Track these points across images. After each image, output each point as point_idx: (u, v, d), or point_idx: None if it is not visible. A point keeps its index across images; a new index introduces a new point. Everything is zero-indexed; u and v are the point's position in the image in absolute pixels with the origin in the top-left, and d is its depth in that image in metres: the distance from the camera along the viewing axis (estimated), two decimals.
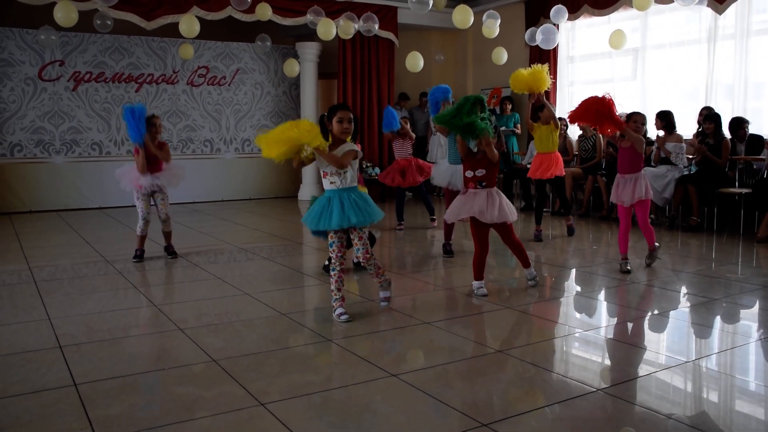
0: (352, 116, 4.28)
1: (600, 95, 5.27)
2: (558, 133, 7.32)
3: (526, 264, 5.14)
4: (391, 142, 8.29)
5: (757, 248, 6.79)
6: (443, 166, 6.57)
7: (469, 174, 4.85)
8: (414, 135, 8.38)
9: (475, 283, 4.91)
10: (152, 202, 6.45)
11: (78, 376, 3.26)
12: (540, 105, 7.21)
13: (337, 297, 4.30)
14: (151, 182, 6.27)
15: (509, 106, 11.11)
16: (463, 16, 7.82)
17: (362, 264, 4.51)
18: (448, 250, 6.42)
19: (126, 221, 8.77)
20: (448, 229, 6.41)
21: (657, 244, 5.79)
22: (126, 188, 6.41)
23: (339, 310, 4.27)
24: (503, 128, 10.63)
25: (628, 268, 5.60)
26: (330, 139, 4.29)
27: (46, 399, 3.00)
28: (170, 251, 6.50)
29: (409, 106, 12.77)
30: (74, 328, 4.13)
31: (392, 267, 6.11)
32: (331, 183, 4.24)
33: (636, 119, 5.56)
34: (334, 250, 4.28)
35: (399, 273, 5.82)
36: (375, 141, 11.98)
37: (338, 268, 4.30)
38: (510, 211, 4.85)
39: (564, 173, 7.44)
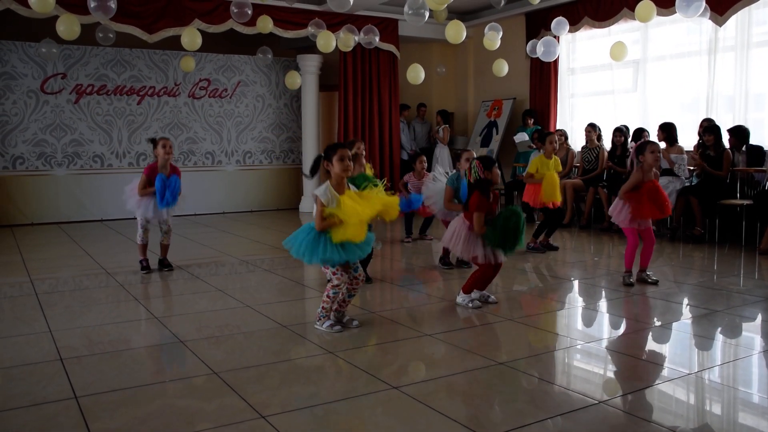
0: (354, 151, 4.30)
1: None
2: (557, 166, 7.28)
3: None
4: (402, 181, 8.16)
5: (759, 260, 6.78)
6: (436, 189, 6.58)
7: (489, 217, 4.85)
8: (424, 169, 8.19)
9: (470, 296, 4.92)
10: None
11: (79, 389, 3.25)
12: (544, 135, 7.28)
13: (326, 314, 4.31)
14: (155, 205, 6.23)
15: (531, 120, 11.08)
16: (455, 31, 7.84)
17: (349, 287, 4.36)
18: (447, 262, 6.42)
19: (127, 233, 8.77)
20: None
21: None
22: (129, 207, 6.36)
23: (328, 323, 4.29)
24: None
25: (632, 281, 5.59)
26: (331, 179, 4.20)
27: (46, 412, 2.99)
28: (165, 264, 6.48)
29: (410, 117, 12.79)
30: (75, 341, 4.12)
31: (395, 279, 6.11)
32: None
33: (653, 149, 5.46)
34: (339, 271, 4.21)
35: (401, 285, 5.81)
36: (376, 153, 12.00)
37: (342, 289, 4.27)
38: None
39: (559, 203, 7.33)
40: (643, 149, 5.50)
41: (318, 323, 4.32)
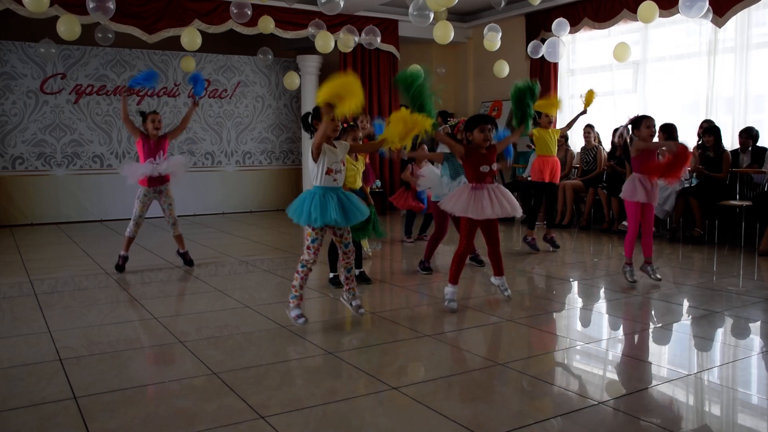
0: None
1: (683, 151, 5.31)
2: (557, 138, 7.37)
3: (500, 271, 5.09)
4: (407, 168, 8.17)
5: (758, 261, 6.79)
6: (429, 170, 6.52)
7: (485, 169, 4.77)
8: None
9: (450, 290, 4.82)
10: (160, 204, 6.45)
11: (78, 389, 3.25)
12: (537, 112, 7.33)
13: (297, 295, 4.29)
14: (154, 169, 6.25)
15: (530, 121, 11.06)
16: (443, 32, 7.84)
17: (342, 263, 4.47)
18: (426, 267, 6.32)
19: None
20: (432, 246, 6.34)
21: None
22: (131, 181, 6.35)
23: (296, 312, 4.27)
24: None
25: (635, 278, 5.58)
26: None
27: (45, 412, 2.99)
28: (186, 259, 6.52)
29: None
30: (74, 341, 4.12)
31: (393, 279, 6.10)
32: (334, 180, 4.23)
33: (650, 124, 5.47)
34: (313, 247, 4.24)
35: (400, 285, 5.81)
36: (376, 154, 11.97)
37: (309, 266, 4.27)
38: (515, 205, 4.83)
39: (558, 181, 7.53)
40: (639, 123, 5.48)
41: (289, 307, 4.31)
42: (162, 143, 6.39)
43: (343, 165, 4.29)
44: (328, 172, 4.20)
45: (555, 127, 7.59)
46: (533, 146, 7.55)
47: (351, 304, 4.47)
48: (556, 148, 7.37)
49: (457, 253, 4.87)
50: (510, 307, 4.92)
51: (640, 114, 5.64)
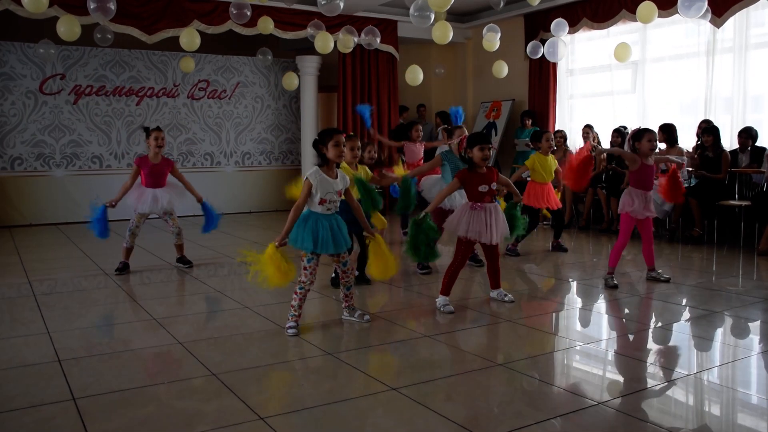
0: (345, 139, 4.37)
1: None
2: (554, 169, 7.26)
3: (497, 284, 5.10)
4: (401, 147, 8.52)
5: (757, 261, 6.79)
6: (433, 180, 6.56)
7: (484, 188, 4.76)
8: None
9: (443, 299, 4.85)
10: (162, 218, 6.56)
11: (77, 391, 3.25)
12: (540, 134, 7.26)
13: (295, 314, 4.30)
14: (153, 196, 6.29)
15: (529, 122, 11.08)
16: (442, 32, 7.84)
17: (342, 281, 4.53)
18: (425, 266, 6.33)
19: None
20: None
21: None
22: (129, 202, 6.41)
23: (291, 325, 4.28)
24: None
25: (615, 282, 5.57)
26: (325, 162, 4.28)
27: (44, 413, 2.99)
28: (185, 261, 6.58)
29: (409, 117, 12.79)
30: (73, 342, 4.12)
31: (392, 280, 6.10)
32: (328, 209, 4.24)
33: (651, 138, 5.48)
34: (310, 268, 4.25)
35: (399, 286, 5.81)
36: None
37: (307, 288, 4.29)
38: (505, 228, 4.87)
39: (561, 205, 7.43)
40: (641, 137, 5.51)
41: (287, 325, 4.30)
42: (164, 169, 6.42)
43: (339, 196, 4.28)
44: (321, 202, 4.21)
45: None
46: (532, 146, 7.51)
47: (354, 317, 4.50)
48: (552, 176, 7.21)
49: (450, 267, 4.87)
50: (510, 307, 4.92)
51: (642, 128, 5.65)
